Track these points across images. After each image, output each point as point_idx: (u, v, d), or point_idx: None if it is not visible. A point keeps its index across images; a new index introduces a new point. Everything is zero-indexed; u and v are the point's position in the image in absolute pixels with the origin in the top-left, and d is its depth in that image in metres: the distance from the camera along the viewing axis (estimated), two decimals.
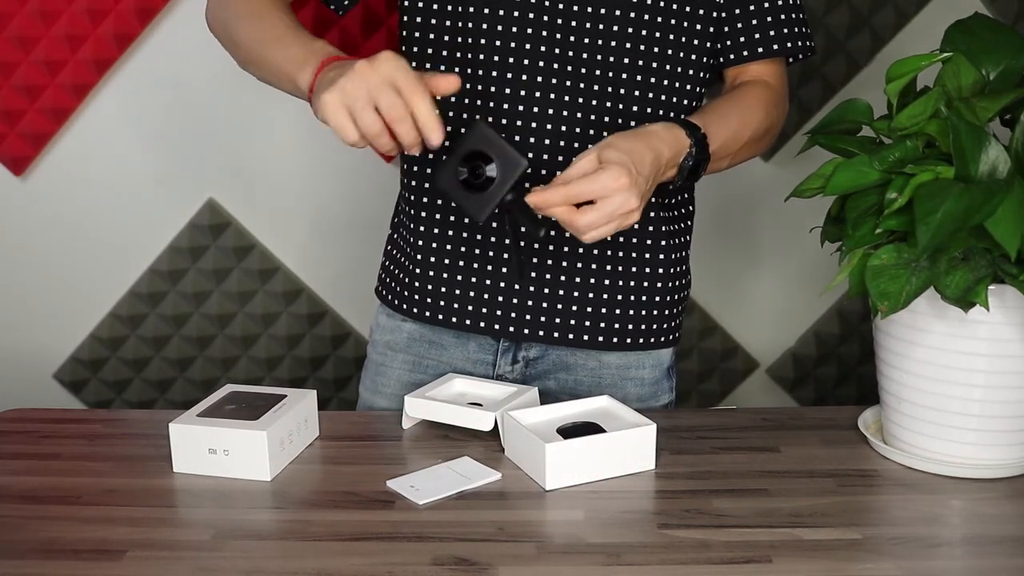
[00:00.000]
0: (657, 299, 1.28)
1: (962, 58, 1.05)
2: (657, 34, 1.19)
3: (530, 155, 1.19)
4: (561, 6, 1.17)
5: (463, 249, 1.25)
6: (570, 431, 1.06)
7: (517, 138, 1.19)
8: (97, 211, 1.82)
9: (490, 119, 1.19)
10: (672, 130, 1.11)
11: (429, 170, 1.26)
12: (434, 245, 1.27)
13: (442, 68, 1.21)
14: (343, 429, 1.18)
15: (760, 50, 1.25)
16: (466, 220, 1.24)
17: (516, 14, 1.17)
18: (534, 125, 1.19)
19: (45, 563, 0.89)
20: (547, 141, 1.20)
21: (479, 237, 1.24)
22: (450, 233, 1.26)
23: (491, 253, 1.24)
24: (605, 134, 1.19)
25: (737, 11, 1.24)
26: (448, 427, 1.16)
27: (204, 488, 1.03)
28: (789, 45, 1.26)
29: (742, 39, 1.25)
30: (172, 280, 1.86)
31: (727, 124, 1.18)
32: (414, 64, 1.23)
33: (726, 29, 1.24)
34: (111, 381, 1.91)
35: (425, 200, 1.27)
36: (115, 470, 1.08)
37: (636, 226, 1.23)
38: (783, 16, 1.25)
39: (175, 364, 1.91)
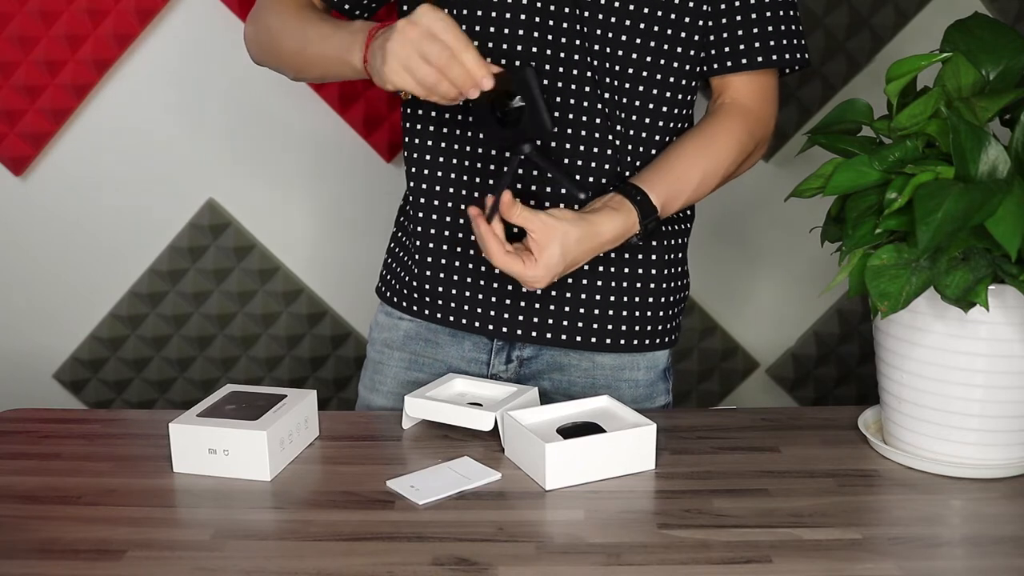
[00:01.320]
0: (651, 300, 1.28)
1: (962, 58, 1.05)
2: (638, 40, 1.19)
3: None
4: (551, 22, 1.17)
5: (459, 249, 1.26)
6: (570, 431, 1.06)
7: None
8: (97, 211, 1.82)
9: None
10: (622, 218, 1.15)
11: (427, 171, 1.26)
12: (431, 245, 1.27)
13: None
14: (343, 429, 1.18)
15: (744, 61, 1.22)
16: (461, 220, 1.24)
17: (508, 16, 1.17)
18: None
19: (45, 563, 0.89)
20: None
21: (475, 238, 1.24)
22: (446, 233, 1.26)
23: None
24: (597, 136, 1.20)
25: (724, 20, 1.21)
26: (448, 427, 1.16)
27: (204, 488, 1.03)
28: (775, 57, 1.22)
29: (726, 49, 1.22)
30: (172, 280, 1.86)
31: (688, 176, 1.20)
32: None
33: (711, 38, 1.22)
34: (111, 381, 1.91)
35: (423, 200, 1.27)
36: (115, 470, 1.08)
37: None
38: (771, 28, 1.22)
39: (175, 364, 1.91)
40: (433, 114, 1.24)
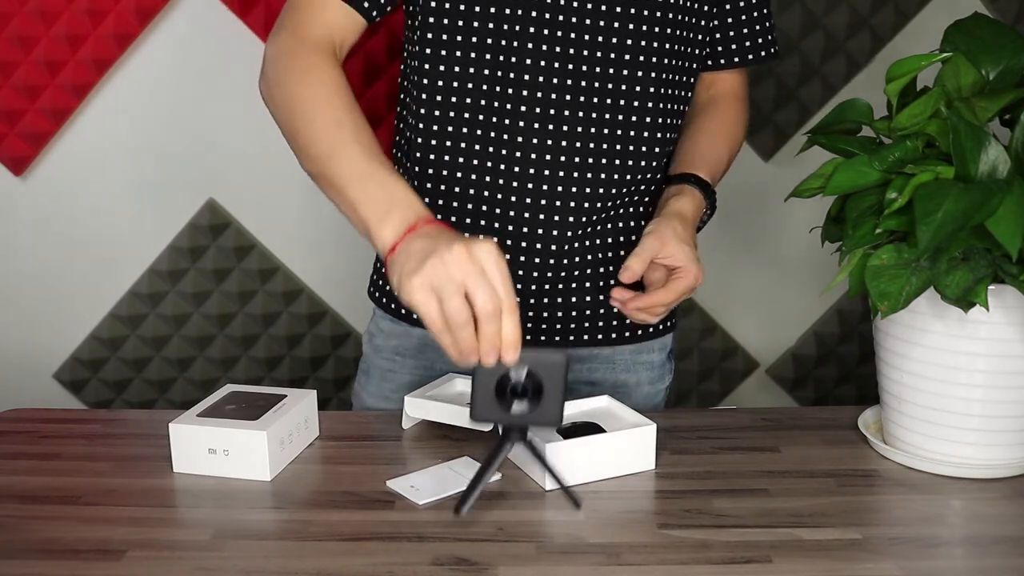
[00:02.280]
0: None
1: (962, 58, 1.05)
2: (668, 29, 1.19)
3: (532, 158, 1.19)
4: (561, 17, 1.16)
5: None
6: (570, 431, 1.06)
7: (519, 139, 1.18)
8: (97, 211, 1.82)
9: (493, 119, 1.18)
10: (694, 200, 1.21)
11: (429, 185, 1.24)
12: None
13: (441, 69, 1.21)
14: (343, 429, 1.18)
15: (736, 60, 1.31)
16: (468, 221, 1.24)
17: (520, 12, 1.16)
18: (536, 126, 1.18)
19: (45, 563, 0.89)
20: (549, 142, 1.18)
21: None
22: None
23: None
24: (605, 131, 1.20)
25: (715, 22, 1.27)
26: (448, 427, 1.16)
27: (204, 488, 1.03)
28: (763, 54, 1.32)
29: (719, 48, 1.30)
30: (172, 280, 1.86)
31: (719, 157, 1.29)
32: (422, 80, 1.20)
33: (718, 36, 1.29)
34: (111, 381, 1.91)
35: (426, 201, 1.26)
36: (115, 470, 1.08)
37: (643, 222, 1.25)
38: (758, 27, 1.30)
39: (175, 364, 1.91)
40: (437, 113, 1.22)
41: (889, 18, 1.80)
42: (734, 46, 1.29)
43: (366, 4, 1.14)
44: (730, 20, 1.28)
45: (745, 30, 1.29)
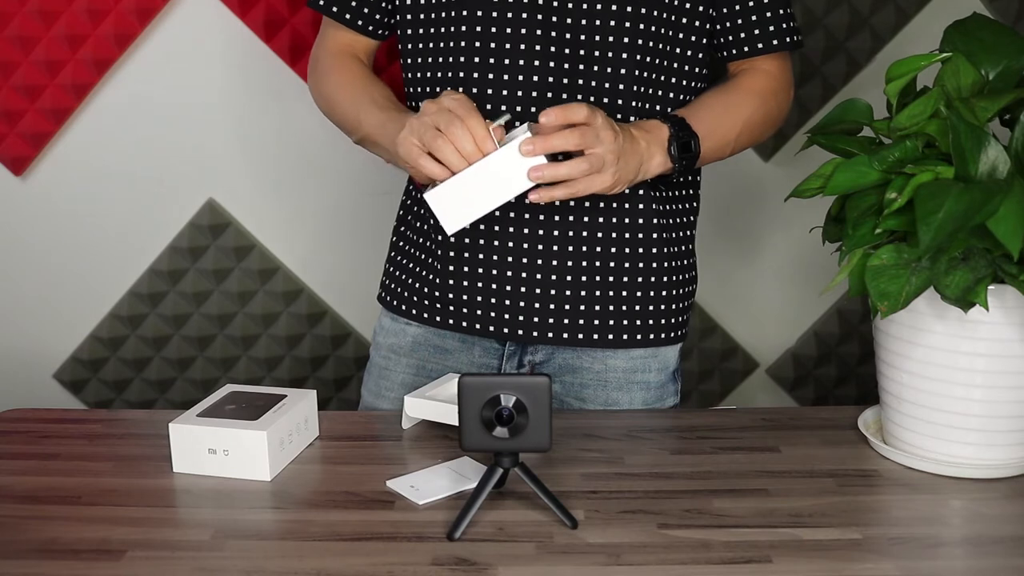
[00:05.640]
0: (664, 294, 1.29)
1: (962, 58, 1.05)
2: (653, 28, 1.19)
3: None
4: (556, 3, 1.17)
5: (466, 255, 1.25)
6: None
7: (494, 104, 1.20)
8: (97, 211, 1.82)
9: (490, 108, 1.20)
10: (645, 123, 1.17)
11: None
12: (438, 251, 1.27)
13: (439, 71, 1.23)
14: (343, 429, 1.18)
15: (760, 46, 1.27)
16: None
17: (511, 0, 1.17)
18: (533, 109, 1.19)
19: (45, 563, 0.89)
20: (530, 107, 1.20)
21: (482, 242, 1.24)
22: (452, 239, 1.26)
23: (495, 257, 1.24)
24: (579, 98, 1.20)
25: (737, 7, 1.25)
26: (448, 427, 1.16)
27: (204, 488, 1.03)
28: (788, 40, 1.28)
29: (742, 35, 1.27)
30: (172, 280, 1.86)
31: (712, 110, 1.23)
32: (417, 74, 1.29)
33: (727, 24, 1.26)
34: (111, 381, 1.91)
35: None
36: (115, 470, 1.08)
37: (641, 220, 1.24)
38: (781, 11, 1.27)
39: (175, 364, 1.91)
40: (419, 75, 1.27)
41: (889, 18, 1.79)
42: (743, 35, 1.27)
43: (360, 22, 1.31)
44: (738, 7, 1.25)
45: (754, 17, 1.26)
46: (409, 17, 1.26)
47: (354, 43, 1.34)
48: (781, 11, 1.27)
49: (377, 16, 1.31)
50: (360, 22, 1.31)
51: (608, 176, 1.10)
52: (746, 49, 1.27)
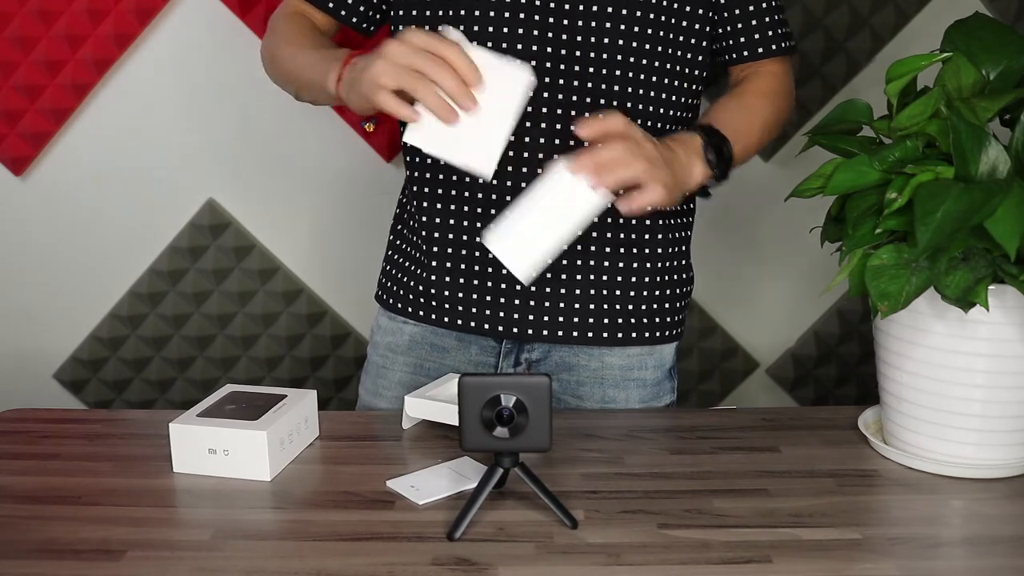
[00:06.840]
0: (658, 293, 1.29)
1: (962, 58, 1.05)
2: (649, 30, 1.19)
3: (525, 142, 1.20)
4: (553, 4, 1.17)
5: (464, 252, 1.25)
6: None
7: (512, 137, 1.18)
8: (97, 211, 1.82)
9: None
10: (677, 136, 1.16)
11: (428, 174, 1.26)
12: (436, 248, 1.27)
13: None
14: (343, 429, 1.18)
15: (760, 50, 1.29)
16: (466, 222, 1.24)
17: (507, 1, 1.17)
18: (529, 109, 1.19)
19: (45, 563, 0.89)
20: (543, 125, 1.19)
21: (479, 240, 1.24)
22: (451, 236, 1.26)
23: (492, 256, 1.24)
24: (574, 98, 1.19)
25: (737, 11, 1.26)
26: (448, 427, 1.16)
27: (204, 488, 1.03)
28: (784, 45, 1.30)
29: (742, 39, 1.28)
30: (172, 280, 1.86)
31: (732, 113, 1.24)
32: None
33: (728, 29, 1.28)
34: (111, 381, 1.91)
35: (426, 205, 1.27)
36: (115, 470, 1.08)
37: (637, 218, 1.24)
38: (777, 16, 1.29)
39: (175, 364, 1.91)
40: None
41: (889, 18, 1.80)
42: (743, 39, 1.28)
43: (351, 17, 1.30)
44: (738, 12, 1.27)
45: (754, 22, 1.28)
46: (401, 13, 1.25)
47: (323, 23, 1.32)
48: (778, 16, 1.30)
49: (368, 11, 1.30)
50: (352, 17, 1.30)
51: (663, 175, 1.06)
52: (746, 54, 1.29)
